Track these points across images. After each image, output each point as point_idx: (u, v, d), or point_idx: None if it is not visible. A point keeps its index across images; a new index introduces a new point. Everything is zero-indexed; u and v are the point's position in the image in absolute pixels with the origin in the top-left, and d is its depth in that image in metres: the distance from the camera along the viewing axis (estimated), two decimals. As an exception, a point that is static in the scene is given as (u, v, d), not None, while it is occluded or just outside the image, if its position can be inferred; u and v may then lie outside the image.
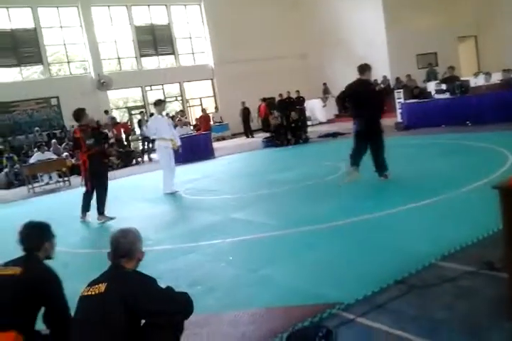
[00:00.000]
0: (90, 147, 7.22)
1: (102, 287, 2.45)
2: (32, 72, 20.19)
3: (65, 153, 15.99)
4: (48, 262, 2.98)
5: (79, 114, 7.33)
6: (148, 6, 22.15)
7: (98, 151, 7.36)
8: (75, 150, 7.51)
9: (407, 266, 3.71)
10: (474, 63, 23.94)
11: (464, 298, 3.15)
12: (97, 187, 7.43)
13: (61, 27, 20.19)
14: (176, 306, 2.56)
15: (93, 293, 2.46)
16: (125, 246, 2.61)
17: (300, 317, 3.19)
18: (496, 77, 13.58)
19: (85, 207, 7.57)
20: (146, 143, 17.68)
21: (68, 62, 20.77)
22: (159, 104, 9.35)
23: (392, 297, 3.30)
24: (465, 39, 24.19)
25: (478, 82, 14.08)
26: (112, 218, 7.41)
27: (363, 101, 6.95)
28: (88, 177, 7.39)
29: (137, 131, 19.05)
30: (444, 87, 13.78)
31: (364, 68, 7.07)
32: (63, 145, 16.89)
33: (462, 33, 23.71)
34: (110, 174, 14.26)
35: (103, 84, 20.48)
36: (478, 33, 23.94)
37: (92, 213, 7.58)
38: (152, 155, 17.33)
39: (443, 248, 3.95)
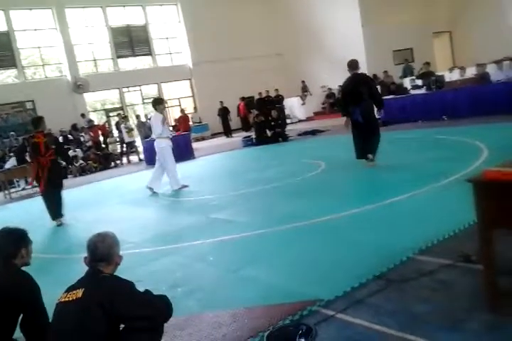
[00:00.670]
0: (54, 152, 7.58)
1: (80, 292, 2.42)
2: (6, 76, 19.85)
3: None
4: (25, 269, 2.93)
5: (39, 121, 7.69)
6: (124, 6, 21.97)
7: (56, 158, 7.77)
8: (35, 156, 7.51)
9: (385, 261, 3.73)
10: (449, 58, 24.27)
11: (442, 291, 3.18)
12: (57, 190, 7.70)
13: (35, 29, 19.87)
14: (155, 310, 2.54)
15: (70, 298, 2.43)
16: (103, 251, 2.58)
17: (281, 316, 3.19)
18: (470, 72, 13.77)
19: (58, 212, 7.70)
20: (124, 145, 17.56)
21: (43, 65, 20.47)
22: (161, 102, 9.28)
23: (371, 292, 3.32)
24: (440, 34, 24.50)
25: (453, 76, 14.27)
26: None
27: (361, 94, 7.56)
28: (46, 181, 7.54)
29: (115, 133, 18.87)
30: (420, 82, 13.94)
31: (356, 64, 7.77)
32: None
33: (437, 29, 24.01)
34: (89, 177, 14.28)
35: (79, 86, 20.24)
36: (452, 29, 24.26)
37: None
38: (131, 157, 17.23)
39: (420, 242, 3.99)
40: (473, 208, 2.86)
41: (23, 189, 13.24)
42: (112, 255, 2.61)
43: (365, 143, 7.75)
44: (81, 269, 2.66)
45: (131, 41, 22.17)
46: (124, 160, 17.26)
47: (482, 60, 14.54)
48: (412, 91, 13.72)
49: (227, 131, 20.81)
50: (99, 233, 2.69)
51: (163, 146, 8.92)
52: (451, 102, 12.21)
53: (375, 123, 7.89)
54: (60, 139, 17.74)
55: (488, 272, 2.89)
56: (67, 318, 2.41)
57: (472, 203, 2.85)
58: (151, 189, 8.94)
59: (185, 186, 8.96)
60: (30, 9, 19.61)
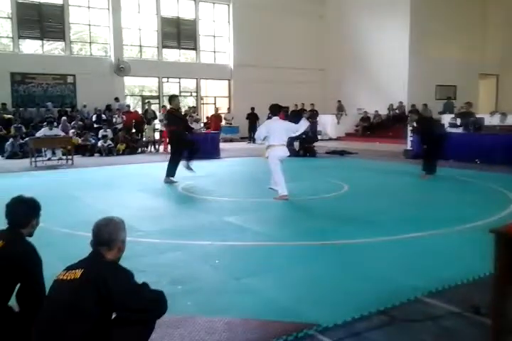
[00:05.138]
0: (165, 126, 10.56)
1: (78, 273, 2.43)
2: (53, 48, 20.29)
3: (72, 131, 16.01)
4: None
5: (170, 99, 9.82)
6: (177, -1, 22.21)
7: (173, 129, 9.68)
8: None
9: (392, 298, 3.65)
10: (493, 102, 24.00)
11: (445, 338, 3.09)
12: (172, 155, 9.69)
13: (89, 7, 20.27)
14: (149, 304, 2.52)
15: (68, 277, 2.44)
16: (104, 235, 2.57)
17: (276, 333, 3.14)
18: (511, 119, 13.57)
19: (167, 173, 9.51)
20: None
21: (90, 42, 20.85)
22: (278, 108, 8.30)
23: (371, 326, 3.24)
24: (487, 77, 24.27)
25: (492, 121, 14.06)
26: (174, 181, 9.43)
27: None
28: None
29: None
30: (458, 121, 13.75)
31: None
32: (72, 123, 16.90)
33: (484, 71, 23.79)
34: (115, 159, 14.35)
35: (121, 69, 20.51)
36: (500, 73, 23.98)
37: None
38: (160, 147, 17.33)
39: (431, 284, 3.89)
40: (491, 260, 2.77)
41: (49, 159, 13.44)
42: (113, 240, 2.58)
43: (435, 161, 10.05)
44: (84, 247, 2.66)
45: (178, 33, 22.43)
46: (151, 148, 17.38)
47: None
48: (449, 129, 13.53)
49: (252, 137, 20.80)
50: (106, 217, 2.68)
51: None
52: (487, 146, 12.00)
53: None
54: (94, 118, 18.01)
55: (497, 329, 2.80)
56: (60, 296, 2.42)
57: (491, 254, 2.76)
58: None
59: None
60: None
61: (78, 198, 7.97)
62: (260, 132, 8.06)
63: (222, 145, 16.31)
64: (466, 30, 22.73)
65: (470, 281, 3.99)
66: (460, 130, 13.26)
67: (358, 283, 4.03)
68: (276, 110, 8.21)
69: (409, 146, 14.32)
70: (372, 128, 22.17)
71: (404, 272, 4.30)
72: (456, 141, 12.60)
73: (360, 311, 3.43)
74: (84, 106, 19.08)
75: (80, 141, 15.63)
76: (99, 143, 15.68)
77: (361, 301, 3.62)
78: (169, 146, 11.01)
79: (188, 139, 9.86)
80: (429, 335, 3.13)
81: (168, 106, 10.34)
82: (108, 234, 2.58)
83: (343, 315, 3.37)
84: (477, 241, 4.77)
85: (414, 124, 11.06)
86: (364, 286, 3.94)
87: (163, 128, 17.51)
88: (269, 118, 9.02)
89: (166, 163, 9.70)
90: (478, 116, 14.35)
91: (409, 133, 14.46)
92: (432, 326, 3.25)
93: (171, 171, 9.51)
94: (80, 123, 17.36)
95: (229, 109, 23.28)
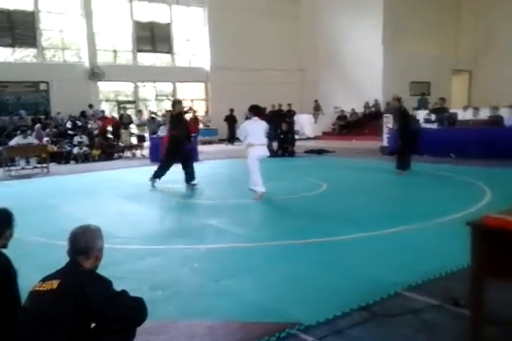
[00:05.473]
0: (168, 130, 10.04)
1: (55, 283, 2.38)
2: (25, 55, 19.93)
3: (46, 139, 15.75)
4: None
5: (172, 104, 10.06)
6: (149, 2, 22.04)
7: (173, 133, 9.42)
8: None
9: (372, 293, 3.66)
10: (465, 97, 24.35)
11: (425, 331, 3.11)
12: (163, 159, 9.67)
13: (60, 13, 19.99)
14: (129, 311, 2.49)
15: (44, 288, 2.39)
16: (81, 243, 2.54)
17: (257, 335, 3.12)
18: (484, 113, 13.79)
19: (154, 174, 9.43)
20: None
21: (63, 48, 20.57)
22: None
23: (353, 323, 3.25)
24: (460, 72, 24.63)
25: (466, 115, 14.27)
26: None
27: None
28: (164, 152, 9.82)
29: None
30: (433, 117, 13.93)
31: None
32: (46, 130, 16.64)
33: (457, 67, 24.16)
34: (91, 165, 14.18)
35: (95, 74, 20.27)
36: (472, 68, 24.36)
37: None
38: (137, 152, 17.13)
39: (410, 278, 3.93)
40: (469, 252, 2.80)
41: (23, 168, 13.21)
42: (90, 248, 2.55)
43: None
44: (62, 256, 2.61)
45: (153, 37, 22.29)
46: (128, 153, 17.17)
47: (498, 102, 14.56)
48: (424, 125, 13.70)
49: (231, 138, 20.78)
50: (82, 225, 2.65)
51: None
52: (461, 141, 12.19)
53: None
54: (68, 124, 17.76)
55: (475, 320, 2.82)
56: (37, 307, 2.37)
57: (468, 246, 2.78)
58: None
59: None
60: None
61: (55, 207, 7.83)
62: (244, 130, 8.08)
63: (200, 147, 16.25)
64: (439, 27, 23.07)
65: (448, 274, 4.04)
66: (435, 125, 13.43)
67: (339, 280, 4.04)
68: (256, 110, 8.40)
69: (385, 143, 14.47)
70: (348, 126, 22.34)
71: (383, 267, 4.32)
72: (431, 136, 12.80)
73: (342, 308, 3.43)
74: (58, 113, 18.82)
75: (55, 148, 15.40)
76: (75, 150, 15.48)
77: (342, 298, 3.63)
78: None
79: (185, 149, 9.56)
80: (409, 329, 3.15)
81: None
82: (85, 243, 2.54)
83: (324, 313, 3.37)
84: (455, 234, 4.79)
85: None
86: (345, 283, 3.95)
87: (141, 133, 17.50)
88: (247, 118, 9.06)
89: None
90: (451, 111, 14.55)
91: (385, 130, 14.61)
92: (412, 319, 3.27)
93: (159, 173, 9.42)
94: (55, 130, 17.11)
95: (206, 112, 23.21)
